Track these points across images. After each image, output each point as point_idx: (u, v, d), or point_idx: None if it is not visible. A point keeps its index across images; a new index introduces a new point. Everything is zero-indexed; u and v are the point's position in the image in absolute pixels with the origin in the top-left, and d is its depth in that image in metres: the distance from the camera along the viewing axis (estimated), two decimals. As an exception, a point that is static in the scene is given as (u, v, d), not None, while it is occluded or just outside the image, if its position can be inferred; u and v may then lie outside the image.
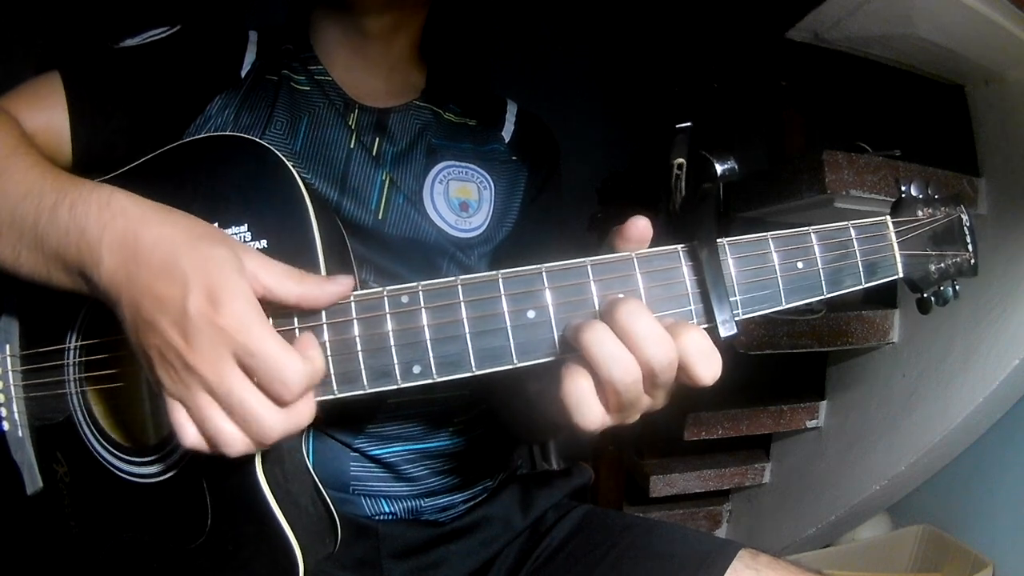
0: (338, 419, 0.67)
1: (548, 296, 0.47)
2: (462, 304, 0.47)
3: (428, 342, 0.47)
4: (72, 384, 0.61)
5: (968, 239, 0.55)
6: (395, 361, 0.47)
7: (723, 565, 0.62)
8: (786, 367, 1.67)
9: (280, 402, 0.44)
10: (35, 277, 0.52)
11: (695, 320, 0.48)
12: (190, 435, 0.45)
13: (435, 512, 0.73)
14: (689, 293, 0.48)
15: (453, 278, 0.48)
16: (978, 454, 1.39)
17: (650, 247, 0.49)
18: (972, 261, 0.55)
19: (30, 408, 0.64)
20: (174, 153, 0.57)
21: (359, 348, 0.48)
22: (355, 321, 0.48)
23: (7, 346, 0.65)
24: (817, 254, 0.50)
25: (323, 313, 0.48)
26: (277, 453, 0.54)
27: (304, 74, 0.75)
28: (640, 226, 0.48)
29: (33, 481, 0.64)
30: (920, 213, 0.54)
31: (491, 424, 0.78)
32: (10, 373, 0.64)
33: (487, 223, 0.75)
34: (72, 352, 0.61)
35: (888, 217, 0.53)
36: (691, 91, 2.07)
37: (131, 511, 0.58)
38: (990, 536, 1.33)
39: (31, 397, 0.64)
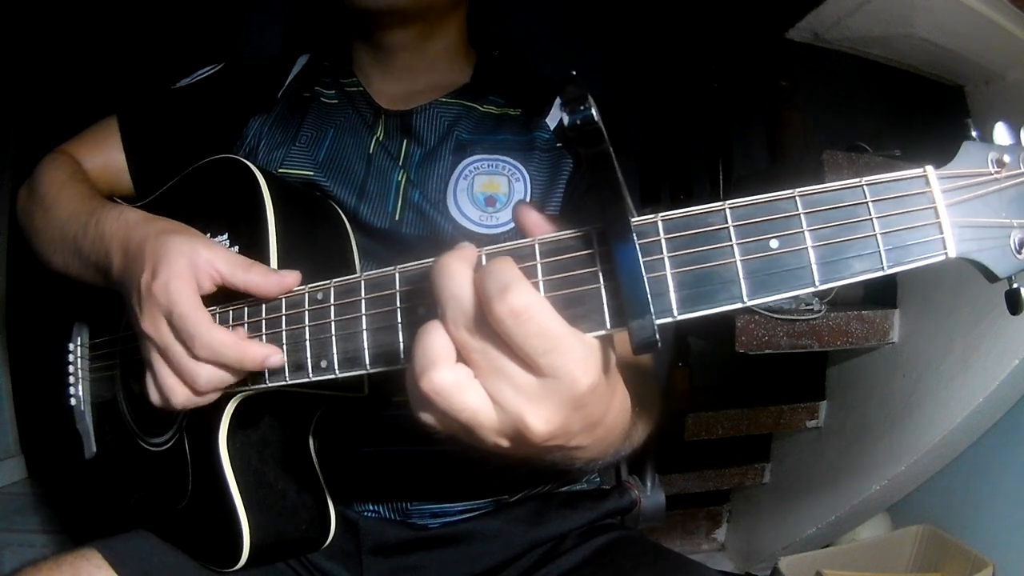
0: (340, 414, 0.67)
1: None
2: (363, 301, 0.47)
3: (333, 338, 0.48)
4: (118, 368, 0.73)
5: None
6: (308, 355, 0.50)
7: None
8: (786, 367, 1.67)
9: (192, 354, 0.50)
10: (81, 279, 0.65)
11: (608, 323, 0.37)
12: (153, 394, 0.53)
13: (425, 516, 0.72)
14: (602, 286, 0.38)
15: (358, 275, 0.48)
16: (978, 454, 1.39)
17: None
18: None
19: (92, 388, 0.78)
20: (185, 179, 0.68)
21: (283, 342, 0.51)
22: (283, 317, 0.52)
23: (79, 337, 0.80)
24: (804, 227, 0.36)
25: (263, 310, 0.53)
26: (258, 438, 0.61)
27: (334, 88, 0.78)
28: (532, 219, 0.41)
29: (89, 447, 0.77)
30: (992, 166, 0.37)
31: None
32: (79, 359, 0.79)
33: None
34: (119, 342, 0.72)
35: (929, 168, 0.36)
36: (691, 91, 2.07)
37: (146, 474, 0.69)
38: (990, 536, 1.33)
39: (93, 379, 0.78)
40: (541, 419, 0.37)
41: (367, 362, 0.46)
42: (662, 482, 0.84)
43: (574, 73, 0.36)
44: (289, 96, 0.78)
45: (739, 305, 0.36)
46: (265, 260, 0.56)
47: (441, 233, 0.70)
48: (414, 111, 0.76)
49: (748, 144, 2.03)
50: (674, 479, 1.66)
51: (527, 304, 0.34)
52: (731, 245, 0.36)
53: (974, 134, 0.38)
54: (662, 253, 0.37)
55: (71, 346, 0.79)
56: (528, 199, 0.73)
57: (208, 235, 0.59)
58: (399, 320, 0.45)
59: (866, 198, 0.36)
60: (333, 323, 0.48)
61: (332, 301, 0.49)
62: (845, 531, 1.56)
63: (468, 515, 0.73)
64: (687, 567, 0.64)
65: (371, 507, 0.71)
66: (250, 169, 0.60)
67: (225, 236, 0.60)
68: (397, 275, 0.46)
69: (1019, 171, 0.37)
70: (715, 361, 1.91)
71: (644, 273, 0.36)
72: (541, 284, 0.39)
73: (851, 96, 1.90)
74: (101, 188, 0.75)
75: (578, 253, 0.38)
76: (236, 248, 0.58)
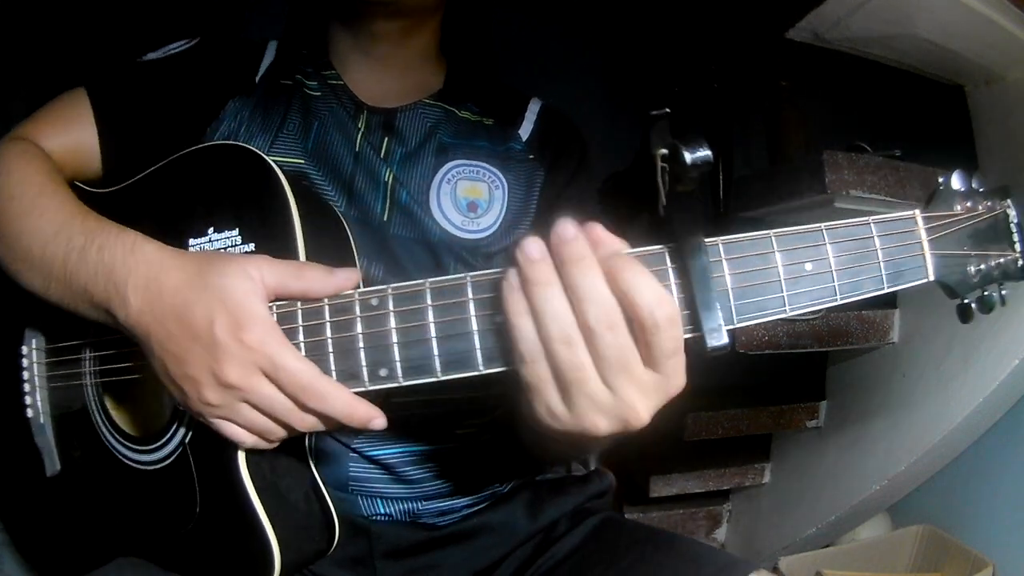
0: None
1: None
2: (429, 308, 0.47)
3: (395, 345, 0.47)
4: (88, 377, 0.66)
5: (1016, 237, 0.49)
6: (363, 363, 0.48)
7: None
8: (786, 367, 1.66)
9: (302, 405, 0.48)
10: (63, 306, 0.56)
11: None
12: (246, 439, 0.51)
13: (433, 516, 0.72)
14: (675, 298, 0.44)
15: (422, 281, 0.47)
16: (978, 454, 1.39)
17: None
18: (1020, 262, 0.49)
19: (52, 397, 0.70)
20: (176, 164, 0.61)
21: (330, 350, 0.49)
22: (327, 324, 0.49)
23: (33, 340, 0.71)
24: (830, 254, 0.45)
25: (299, 315, 0.50)
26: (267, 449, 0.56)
27: (317, 79, 0.76)
28: (607, 237, 0.43)
29: (52, 464, 0.69)
30: (958, 207, 0.48)
31: (507, 431, 0.75)
32: (35, 365, 0.70)
33: (498, 224, 0.73)
34: (89, 348, 0.66)
35: (917, 212, 0.47)
36: (691, 91, 2.07)
37: (134, 495, 0.62)
38: (990, 536, 1.33)
39: (53, 387, 0.70)
40: (649, 410, 0.43)
41: (438, 369, 0.47)
42: (601, 471, 0.85)
43: (668, 111, 0.45)
44: (268, 82, 0.76)
45: (782, 316, 0.45)
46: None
47: (428, 235, 0.70)
48: (398, 110, 0.76)
49: (748, 144, 2.03)
50: (674, 479, 1.66)
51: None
52: (777, 267, 0.45)
53: (940, 181, 0.50)
54: (723, 272, 0.45)
55: (24, 350, 0.71)
56: (506, 207, 0.74)
57: (211, 229, 0.56)
58: (474, 328, 0.46)
59: (872, 233, 0.46)
60: (395, 331, 0.47)
61: (391, 308, 0.47)
62: (845, 531, 1.56)
63: (472, 510, 0.74)
64: (674, 540, 0.67)
65: (381, 511, 0.70)
66: (263, 159, 0.56)
67: (235, 232, 0.55)
68: (469, 284, 0.46)
69: (975, 212, 0.49)
70: (715, 361, 1.91)
71: (714, 287, 0.43)
72: None
73: (851, 96, 1.90)
74: (66, 172, 0.68)
75: (654, 268, 0.44)
76: (252, 246, 0.55)
